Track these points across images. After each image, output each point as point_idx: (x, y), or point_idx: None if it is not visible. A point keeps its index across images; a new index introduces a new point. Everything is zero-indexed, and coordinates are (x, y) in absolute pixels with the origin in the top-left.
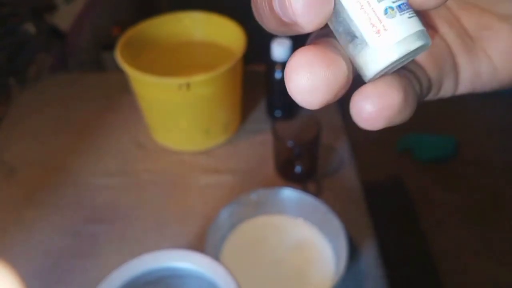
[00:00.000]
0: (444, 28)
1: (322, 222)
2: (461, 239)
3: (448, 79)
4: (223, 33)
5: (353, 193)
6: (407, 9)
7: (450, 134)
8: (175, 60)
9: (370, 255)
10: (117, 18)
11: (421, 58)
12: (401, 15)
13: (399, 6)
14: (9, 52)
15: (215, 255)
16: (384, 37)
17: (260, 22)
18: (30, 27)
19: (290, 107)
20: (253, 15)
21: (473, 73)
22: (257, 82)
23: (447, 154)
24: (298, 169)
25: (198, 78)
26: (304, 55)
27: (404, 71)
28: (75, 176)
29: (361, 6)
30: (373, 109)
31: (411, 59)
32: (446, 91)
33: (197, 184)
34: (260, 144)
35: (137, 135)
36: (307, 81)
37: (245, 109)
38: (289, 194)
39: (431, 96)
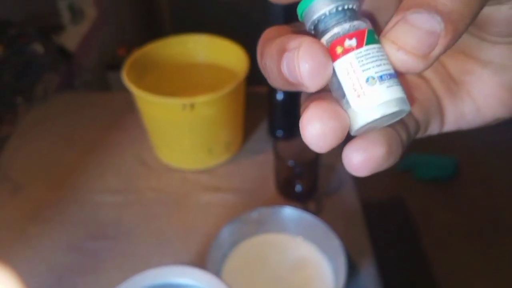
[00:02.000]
0: (429, 74)
1: (322, 241)
2: (462, 259)
3: (434, 120)
4: (226, 55)
5: (353, 212)
6: (388, 79)
7: (451, 154)
8: (179, 81)
9: (369, 274)
10: (123, 39)
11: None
12: (380, 84)
13: (380, 76)
14: (16, 72)
15: (216, 273)
16: (363, 101)
17: (267, 79)
18: (38, 47)
19: (291, 128)
20: (256, 38)
21: (458, 114)
22: (259, 103)
23: (448, 174)
24: (298, 188)
25: (202, 99)
26: (316, 109)
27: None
28: (79, 193)
29: (348, 73)
30: (360, 160)
31: (392, 121)
32: (433, 130)
33: (199, 202)
34: (261, 164)
35: (141, 153)
36: (319, 130)
37: (247, 129)
38: (289, 213)
39: (418, 135)
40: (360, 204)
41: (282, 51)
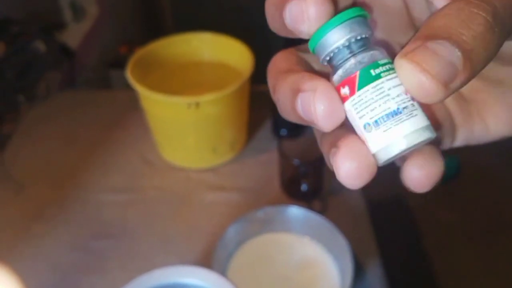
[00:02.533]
0: None
1: (327, 240)
2: (465, 258)
3: (447, 136)
4: (230, 53)
5: (358, 211)
6: (384, 122)
7: (453, 154)
8: (183, 80)
9: (375, 274)
10: (124, 37)
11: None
12: (376, 130)
13: (375, 121)
14: (18, 70)
15: (222, 272)
16: (368, 146)
17: (279, 111)
18: (40, 45)
19: (295, 126)
20: (258, 35)
21: (468, 132)
22: (263, 101)
23: (451, 174)
24: (304, 187)
25: (207, 98)
26: (347, 148)
27: None
28: (83, 192)
29: (351, 119)
30: (421, 176)
31: (421, 145)
32: (444, 146)
33: (204, 201)
34: (266, 163)
35: (144, 152)
36: (354, 169)
37: (251, 128)
38: (295, 212)
39: None
40: (365, 203)
41: (296, 91)
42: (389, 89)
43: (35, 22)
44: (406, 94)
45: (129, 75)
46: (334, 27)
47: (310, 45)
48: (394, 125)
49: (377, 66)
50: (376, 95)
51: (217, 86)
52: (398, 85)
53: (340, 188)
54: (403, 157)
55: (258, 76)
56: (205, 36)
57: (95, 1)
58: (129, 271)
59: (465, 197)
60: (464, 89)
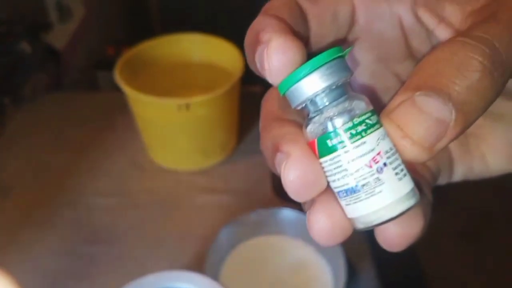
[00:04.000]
0: None
1: None
2: (455, 258)
3: (444, 172)
4: (220, 54)
5: None
6: (344, 196)
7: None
8: (172, 81)
9: (368, 276)
10: (112, 38)
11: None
12: (341, 200)
13: (338, 193)
14: (3, 72)
15: (215, 276)
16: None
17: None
18: (25, 46)
19: None
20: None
21: (466, 168)
22: (254, 102)
23: None
24: None
25: (197, 99)
26: (322, 205)
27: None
28: (71, 196)
29: (338, 176)
30: (398, 235)
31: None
32: (441, 181)
33: (194, 204)
34: (257, 164)
35: (134, 154)
36: (326, 227)
37: (242, 129)
38: (288, 214)
39: None
40: None
41: (276, 149)
42: (347, 162)
43: (20, 23)
44: (370, 166)
45: (118, 76)
46: (304, 77)
47: (279, 90)
48: (353, 203)
49: (333, 136)
50: (334, 168)
51: (207, 88)
52: (361, 155)
53: None
54: None
55: (249, 77)
56: (194, 37)
57: (82, 1)
58: (119, 277)
59: (452, 197)
60: None
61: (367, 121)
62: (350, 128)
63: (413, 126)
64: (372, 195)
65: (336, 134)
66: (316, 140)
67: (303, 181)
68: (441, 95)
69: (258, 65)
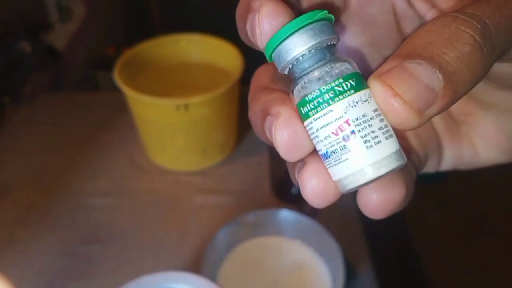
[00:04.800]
0: None
1: (319, 244)
2: (453, 258)
3: (432, 158)
4: (220, 54)
5: (349, 214)
6: (323, 160)
7: None
8: (171, 81)
9: (367, 277)
10: (112, 38)
11: (411, 139)
12: (324, 162)
13: (323, 155)
14: (3, 71)
15: (212, 277)
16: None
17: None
18: (25, 46)
19: None
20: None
21: (456, 155)
22: None
23: (438, 174)
24: (294, 190)
25: (196, 99)
26: (314, 166)
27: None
28: (70, 196)
29: (315, 142)
30: (378, 202)
31: (387, 175)
32: (429, 168)
33: (193, 205)
34: (256, 165)
35: (132, 155)
36: (318, 188)
37: (241, 130)
38: (286, 215)
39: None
40: (356, 205)
41: (265, 114)
42: (317, 130)
43: (20, 23)
44: (336, 134)
45: (117, 77)
46: (290, 35)
47: (265, 53)
48: (329, 167)
49: (306, 103)
50: (311, 133)
51: (206, 88)
52: (328, 123)
53: None
54: None
55: (248, 77)
56: (194, 37)
57: (82, 1)
58: (117, 277)
59: (452, 197)
60: (454, 111)
61: (336, 88)
62: (317, 97)
63: (406, 85)
64: (340, 162)
65: (305, 102)
66: (296, 107)
67: (292, 141)
68: (431, 63)
69: (249, 33)
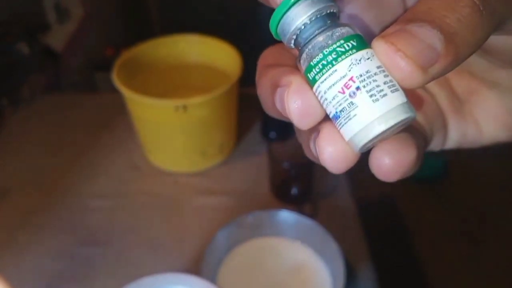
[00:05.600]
0: (434, 88)
1: (319, 245)
2: (453, 258)
3: (437, 136)
4: (218, 55)
5: (348, 214)
6: (335, 122)
7: (439, 154)
8: (170, 82)
9: (367, 277)
10: (110, 39)
11: (418, 116)
12: (337, 124)
13: (334, 116)
14: (1, 72)
15: (212, 278)
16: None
17: (263, 107)
18: (23, 47)
19: (284, 129)
20: (248, 38)
21: (460, 133)
22: (252, 103)
23: (437, 174)
24: (294, 190)
25: (195, 100)
26: (330, 131)
27: (414, 129)
28: (69, 198)
29: (325, 105)
30: (391, 164)
31: (399, 128)
32: (435, 146)
33: (192, 206)
34: (255, 166)
35: (131, 156)
36: (336, 152)
37: (240, 131)
38: (286, 216)
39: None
40: (356, 205)
41: (275, 86)
42: (325, 92)
43: (18, 24)
44: (343, 92)
45: (115, 78)
46: (291, 7)
47: (271, 30)
48: (340, 128)
49: (311, 69)
50: (320, 98)
51: (205, 89)
52: (334, 83)
53: (330, 191)
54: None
55: (247, 78)
56: (192, 38)
57: (80, 2)
58: (117, 279)
59: (452, 197)
60: (459, 89)
61: (338, 49)
62: (321, 60)
63: (408, 43)
64: (349, 119)
65: (311, 68)
66: (303, 74)
67: (305, 107)
68: (432, 25)
69: (278, 107)
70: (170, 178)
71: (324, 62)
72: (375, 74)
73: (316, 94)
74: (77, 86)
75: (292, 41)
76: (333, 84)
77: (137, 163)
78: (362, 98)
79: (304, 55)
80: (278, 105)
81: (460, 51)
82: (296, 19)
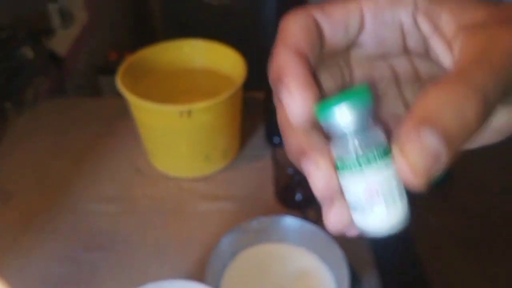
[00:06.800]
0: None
1: (323, 251)
2: (457, 263)
3: None
4: (222, 60)
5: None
6: (353, 207)
7: None
8: (174, 87)
9: (371, 284)
10: (114, 43)
11: None
12: (351, 209)
13: (349, 203)
14: (6, 76)
15: (216, 284)
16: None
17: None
18: (27, 51)
19: None
20: (252, 43)
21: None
22: (256, 108)
23: (441, 178)
24: (298, 196)
25: (199, 106)
26: (336, 212)
27: None
28: (72, 202)
29: (343, 189)
30: None
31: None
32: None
33: (196, 211)
34: (259, 171)
35: (135, 160)
36: (341, 228)
37: (244, 136)
38: (290, 222)
39: None
40: None
41: (302, 153)
42: (347, 185)
43: (22, 28)
44: (364, 193)
45: (119, 82)
46: (338, 105)
47: (317, 110)
48: (352, 213)
49: (343, 161)
50: (341, 182)
51: (209, 94)
52: (359, 183)
53: None
54: None
55: (251, 82)
56: (196, 42)
57: (84, 7)
58: (121, 284)
59: (456, 201)
60: None
61: (369, 156)
62: (352, 160)
63: (417, 158)
64: (362, 214)
65: (342, 161)
66: (334, 159)
67: (326, 189)
68: (441, 134)
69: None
70: (174, 183)
71: (355, 163)
72: (392, 182)
73: (339, 177)
74: (81, 90)
75: (331, 129)
76: (357, 183)
77: (140, 167)
78: (377, 203)
79: (338, 145)
80: (303, 169)
81: (456, 151)
82: (339, 117)
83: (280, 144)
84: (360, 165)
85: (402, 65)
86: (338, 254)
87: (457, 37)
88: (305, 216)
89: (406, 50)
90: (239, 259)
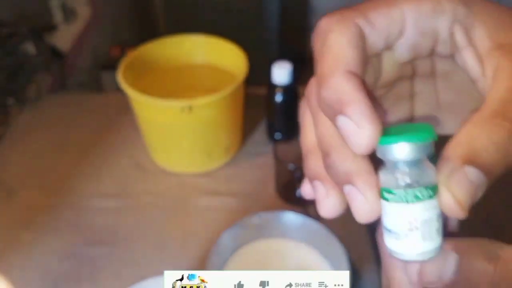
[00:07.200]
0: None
1: (324, 247)
2: None
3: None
4: (224, 56)
5: (352, 216)
6: (389, 231)
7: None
8: (176, 83)
9: (372, 280)
10: (116, 39)
11: None
12: (385, 232)
13: (385, 227)
14: (8, 72)
15: None
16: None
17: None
18: (29, 47)
19: (290, 130)
20: (254, 38)
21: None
22: (258, 104)
23: None
24: (299, 192)
25: (200, 101)
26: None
27: None
28: (74, 198)
29: (382, 212)
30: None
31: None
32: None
33: (198, 207)
34: (260, 167)
35: (136, 156)
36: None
37: (246, 131)
38: (291, 218)
39: None
40: None
41: (347, 180)
42: (389, 212)
43: (24, 24)
44: (405, 224)
45: (121, 78)
46: (395, 142)
47: (380, 140)
48: (386, 238)
49: (391, 192)
50: (382, 208)
51: (210, 89)
52: (403, 215)
53: None
54: None
55: (252, 78)
56: (198, 38)
57: (87, 2)
58: (122, 279)
59: None
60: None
61: (418, 193)
62: (400, 193)
63: (463, 195)
64: (396, 240)
65: (390, 191)
66: (380, 187)
67: (368, 215)
68: (486, 171)
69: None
70: (175, 179)
71: (402, 197)
72: (433, 221)
73: (382, 203)
74: (83, 86)
75: (385, 158)
76: (400, 214)
77: (142, 163)
78: (415, 236)
79: (388, 174)
80: (343, 192)
81: (493, 180)
82: (397, 152)
83: (282, 140)
84: (407, 201)
85: (422, 64)
86: (339, 249)
87: (492, 55)
88: (306, 212)
89: (432, 53)
90: (240, 255)
